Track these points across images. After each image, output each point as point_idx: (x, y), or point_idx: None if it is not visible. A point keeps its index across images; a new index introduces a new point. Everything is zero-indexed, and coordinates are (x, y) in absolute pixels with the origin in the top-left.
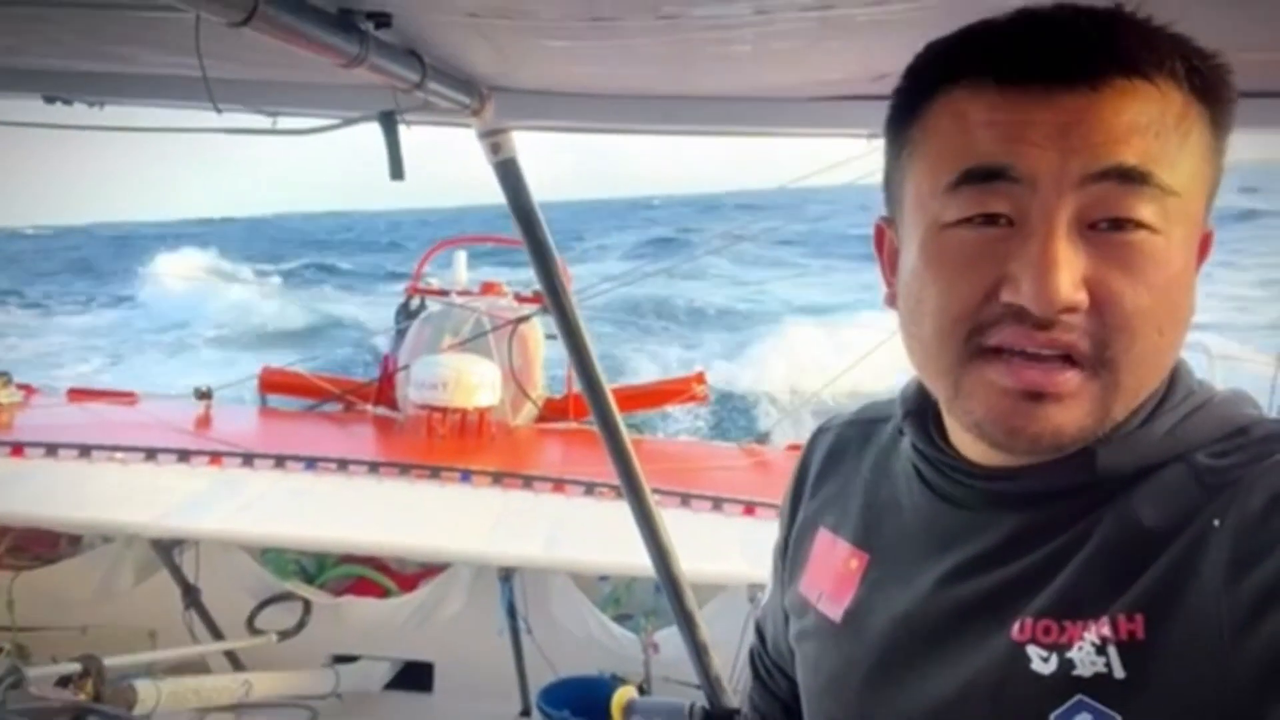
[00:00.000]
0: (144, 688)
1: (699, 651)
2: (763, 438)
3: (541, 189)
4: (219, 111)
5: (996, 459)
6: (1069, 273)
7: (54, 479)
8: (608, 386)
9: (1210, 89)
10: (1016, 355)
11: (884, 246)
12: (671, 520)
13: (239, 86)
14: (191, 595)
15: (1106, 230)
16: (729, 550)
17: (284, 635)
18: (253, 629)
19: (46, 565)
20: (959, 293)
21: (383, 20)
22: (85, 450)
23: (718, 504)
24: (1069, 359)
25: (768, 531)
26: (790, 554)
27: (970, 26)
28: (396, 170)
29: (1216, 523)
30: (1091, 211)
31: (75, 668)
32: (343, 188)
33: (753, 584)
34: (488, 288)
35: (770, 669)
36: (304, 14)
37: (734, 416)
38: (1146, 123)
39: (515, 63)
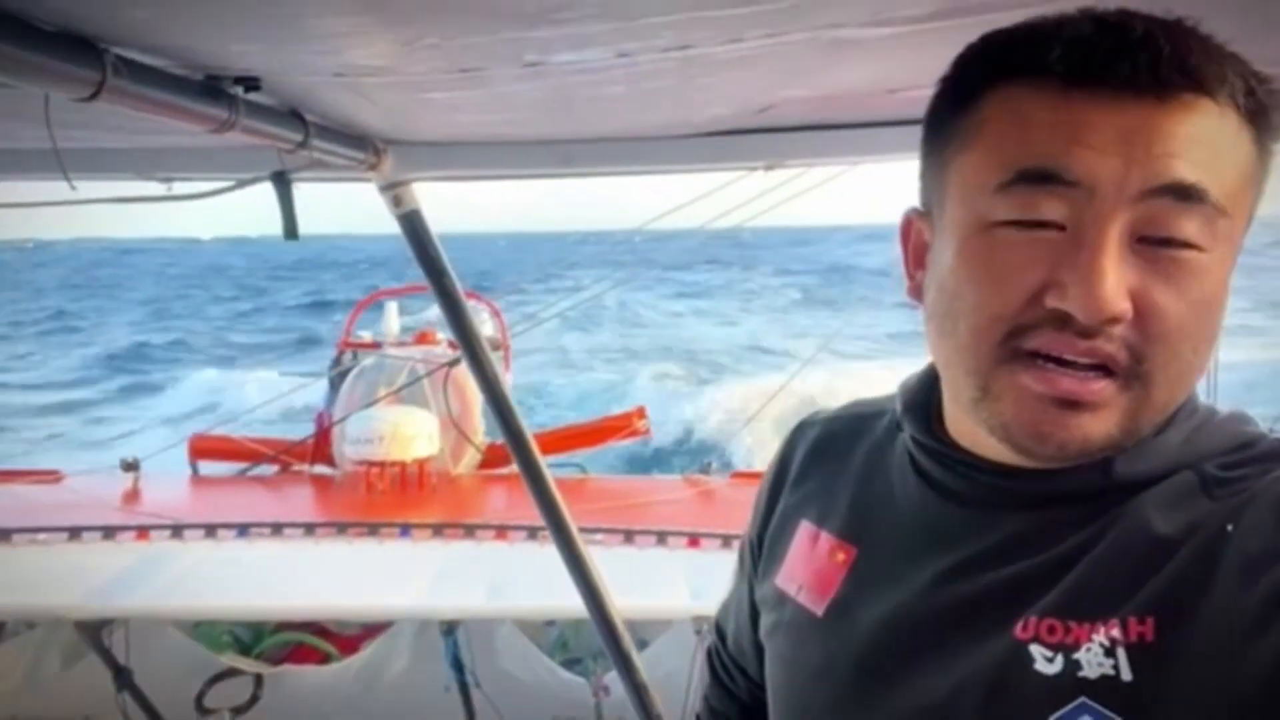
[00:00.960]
0: None
1: (639, 692)
2: (705, 468)
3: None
4: (73, 188)
5: (1009, 458)
6: (1117, 283)
7: None
8: (530, 434)
9: (1263, 113)
10: (1052, 361)
11: (910, 238)
12: (615, 558)
13: (125, 155)
14: (123, 677)
15: (1155, 245)
16: (674, 584)
17: (237, 712)
18: (202, 709)
19: None
20: (1001, 293)
21: (251, 84)
22: (4, 534)
23: (661, 538)
24: (1104, 369)
25: (712, 562)
26: (766, 548)
27: (1031, 21)
28: (290, 230)
29: (1230, 528)
30: (1144, 226)
31: None
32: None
33: (698, 617)
34: (421, 337)
35: (729, 667)
36: (161, 83)
37: None
38: (1206, 139)
39: (401, 116)
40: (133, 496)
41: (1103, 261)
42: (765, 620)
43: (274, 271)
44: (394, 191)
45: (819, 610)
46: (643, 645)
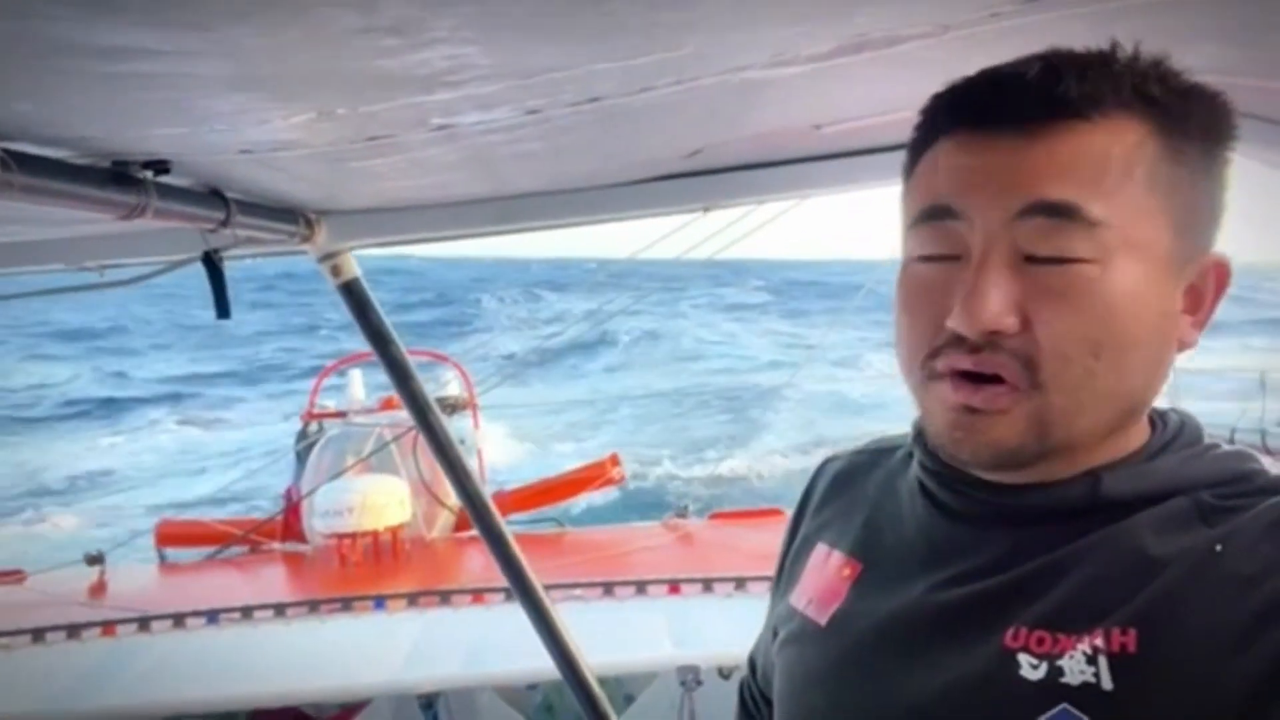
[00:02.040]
0: None
1: None
2: (682, 511)
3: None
4: None
5: (1003, 477)
6: (997, 298)
7: None
8: (487, 495)
9: (1172, 114)
10: (959, 375)
11: None
12: (595, 612)
13: (51, 246)
14: None
15: (1044, 263)
16: (658, 635)
17: None
18: None
19: None
20: (917, 322)
21: (161, 167)
22: None
23: (641, 587)
24: (1000, 378)
25: (694, 608)
26: (786, 572)
27: (971, 78)
28: (222, 310)
29: (1219, 548)
30: (1027, 245)
31: None
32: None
33: (682, 666)
34: (387, 403)
35: (756, 699)
36: (65, 174)
37: None
38: (1082, 160)
39: (327, 187)
40: (98, 591)
41: (982, 281)
42: (778, 638)
43: None
44: (331, 262)
45: (823, 621)
46: (629, 700)
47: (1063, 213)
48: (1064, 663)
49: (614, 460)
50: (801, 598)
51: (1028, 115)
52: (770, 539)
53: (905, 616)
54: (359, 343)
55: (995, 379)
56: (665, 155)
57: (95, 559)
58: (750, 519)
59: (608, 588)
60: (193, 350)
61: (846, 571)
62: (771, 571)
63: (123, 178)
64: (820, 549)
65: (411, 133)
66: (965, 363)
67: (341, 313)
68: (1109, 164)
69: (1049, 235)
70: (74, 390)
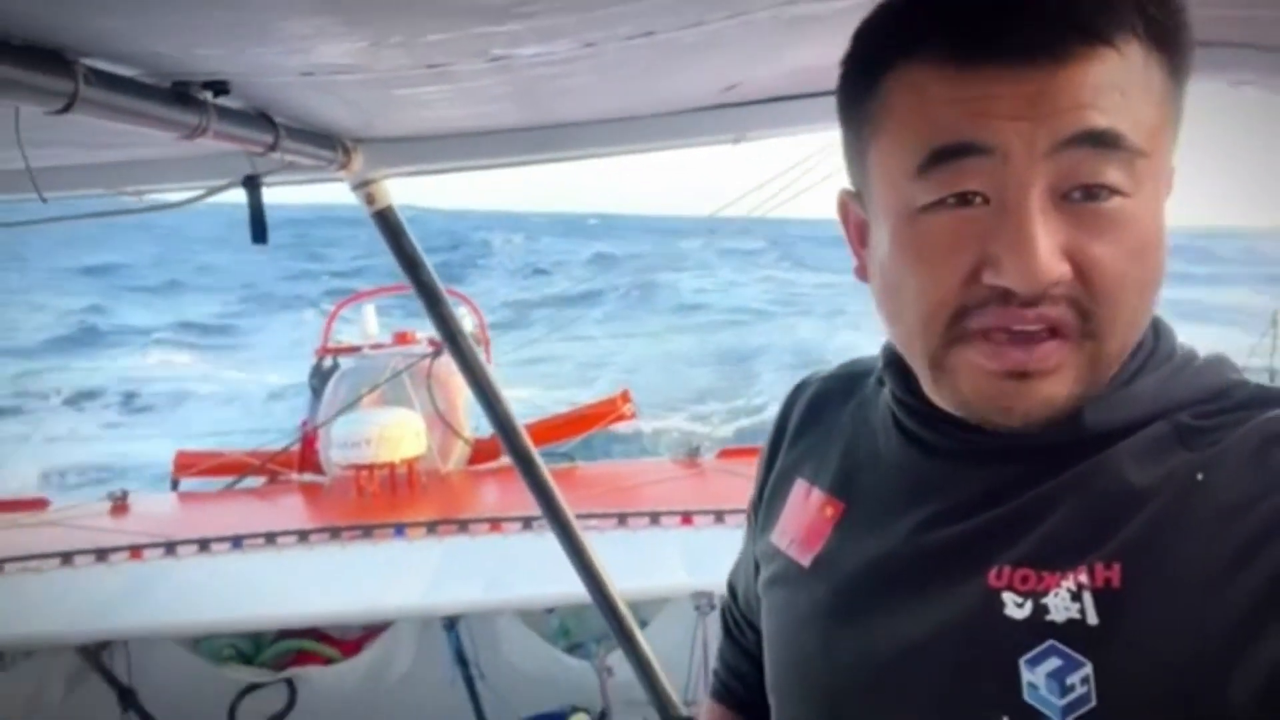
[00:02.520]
0: None
1: (647, 674)
2: (694, 450)
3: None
4: (44, 200)
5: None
6: (1049, 246)
7: None
8: (519, 424)
9: (1168, 37)
10: (1001, 333)
11: (849, 218)
12: (611, 541)
13: (93, 170)
14: (128, 698)
15: (1081, 200)
16: (671, 562)
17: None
18: None
19: None
20: (940, 279)
21: (220, 88)
22: None
23: (654, 518)
24: (1054, 332)
25: (706, 538)
26: (765, 505)
27: None
28: (259, 234)
29: (1200, 477)
30: (1065, 180)
31: None
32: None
33: (696, 593)
34: (401, 338)
35: (740, 623)
36: (132, 91)
37: None
38: (1111, 85)
39: (370, 114)
40: (121, 518)
41: (1031, 228)
42: (762, 574)
43: None
44: (366, 189)
45: (806, 562)
46: (643, 624)
47: (1108, 142)
48: (1049, 600)
49: (625, 397)
50: (784, 537)
51: (1051, 37)
52: None
53: (889, 559)
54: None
55: (1046, 332)
56: (703, 90)
57: (117, 494)
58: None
59: (622, 518)
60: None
61: (829, 511)
62: None
63: (184, 97)
64: (800, 484)
65: (468, 63)
66: (1020, 320)
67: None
68: (1134, 90)
69: (1091, 167)
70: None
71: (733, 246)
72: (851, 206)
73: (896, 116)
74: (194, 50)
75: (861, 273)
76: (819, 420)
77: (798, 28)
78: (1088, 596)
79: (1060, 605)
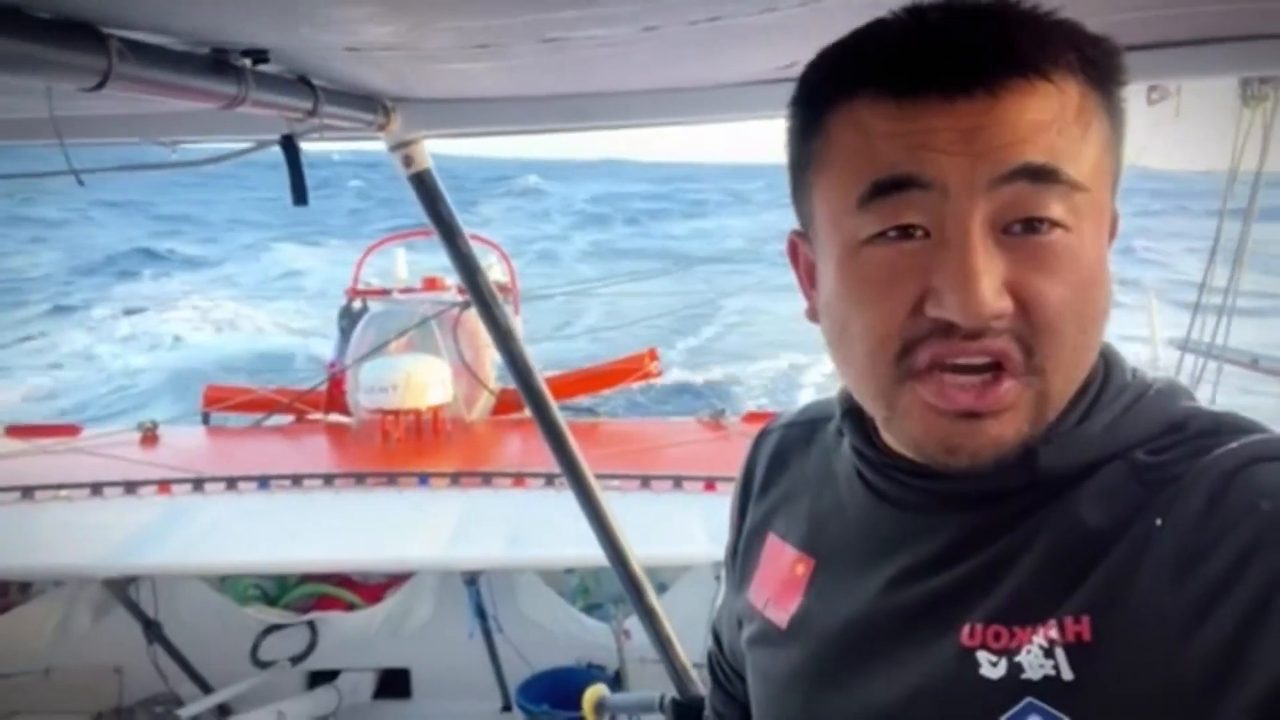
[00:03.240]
0: None
1: (663, 643)
2: (719, 411)
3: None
4: (71, 169)
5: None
6: (991, 280)
7: None
8: (543, 383)
9: (1105, 77)
10: (948, 371)
11: (799, 259)
12: (633, 504)
13: (128, 121)
14: (154, 630)
15: (1021, 233)
16: (693, 529)
17: (295, 660)
18: (258, 660)
19: None
20: (883, 312)
21: (260, 56)
22: (28, 491)
23: (678, 483)
24: (999, 366)
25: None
26: (740, 560)
27: (860, 31)
28: (300, 195)
29: (1159, 522)
30: (1005, 214)
31: None
32: None
33: (717, 562)
34: (430, 283)
35: (727, 672)
36: (169, 63)
37: None
38: (1049, 120)
39: (412, 79)
40: (151, 450)
41: (972, 261)
42: (744, 633)
43: None
44: (404, 151)
45: (783, 623)
46: (662, 589)
47: (1045, 176)
48: (1022, 657)
49: (652, 354)
50: (760, 595)
51: (991, 76)
52: None
53: (862, 620)
54: None
55: (992, 368)
56: (759, 67)
57: (149, 428)
58: None
59: (645, 480)
60: None
61: (801, 569)
62: None
63: (222, 65)
64: (772, 540)
65: (522, 44)
66: (963, 353)
67: None
68: (1072, 124)
69: (1030, 201)
70: None
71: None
72: (801, 248)
73: (838, 152)
74: (234, 20)
75: (812, 314)
76: (784, 469)
77: (870, 11)
78: (1060, 652)
79: (1034, 662)
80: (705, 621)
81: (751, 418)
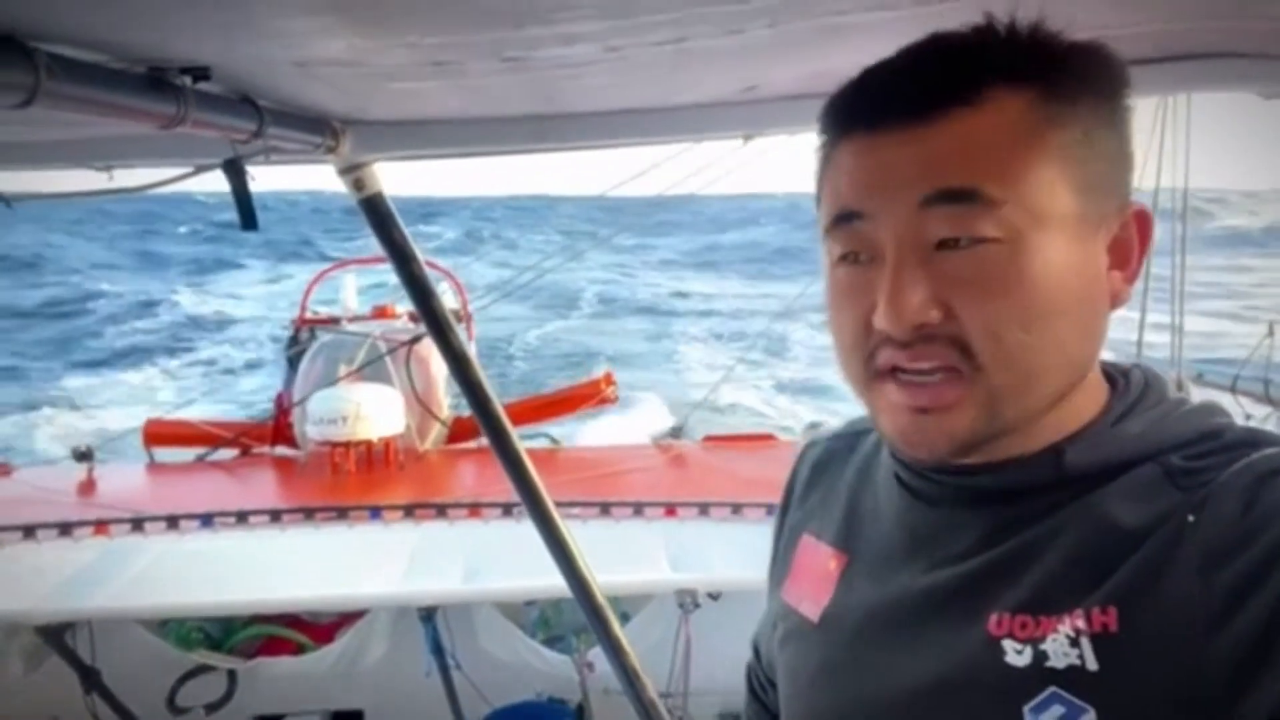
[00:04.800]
0: None
1: (629, 676)
2: (677, 431)
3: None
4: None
5: (964, 460)
6: (916, 294)
7: None
8: (501, 409)
9: (1058, 81)
10: (903, 374)
11: None
12: (594, 531)
13: (56, 147)
14: (91, 679)
15: (950, 249)
16: (655, 556)
17: (211, 708)
18: (174, 707)
19: None
20: (847, 323)
21: (201, 73)
22: None
23: (638, 509)
24: (950, 369)
25: (691, 532)
26: (778, 563)
27: (855, 79)
28: (248, 221)
29: (1191, 518)
30: (930, 234)
31: None
32: None
33: (680, 590)
34: (380, 311)
35: (764, 684)
36: (102, 80)
37: None
38: (971, 144)
39: (363, 99)
40: (88, 488)
41: (897, 279)
42: (777, 633)
43: None
44: (354, 175)
45: (815, 617)
46: (625, 619)
47: (964, 198)
48: (1047, 646)
49: (608, 379)
50: (794, 593)
51: (912, 109)
52: (764, 465)
53: (890, 608)
54: None
55: (935, 371)
56: (722, 90)
57: (84, 455)
58: (743, 443)
59: (604, 508)
60: None
61: (833, 565)
62: (768, 499)
63: (161, 84)
64: (807, 540)
65: (480, 62)
66: (904, 358)
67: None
68: (999, 143)
69: (955, 222)
70: None
71: None
72: None
73: (824, 183)
74: (173, 36)
75: None
76: (824, 478)
77: (834, 36)
78: (1085, 642)
79: (1059, 651)
80: (670, 651)
81: (710, 440)
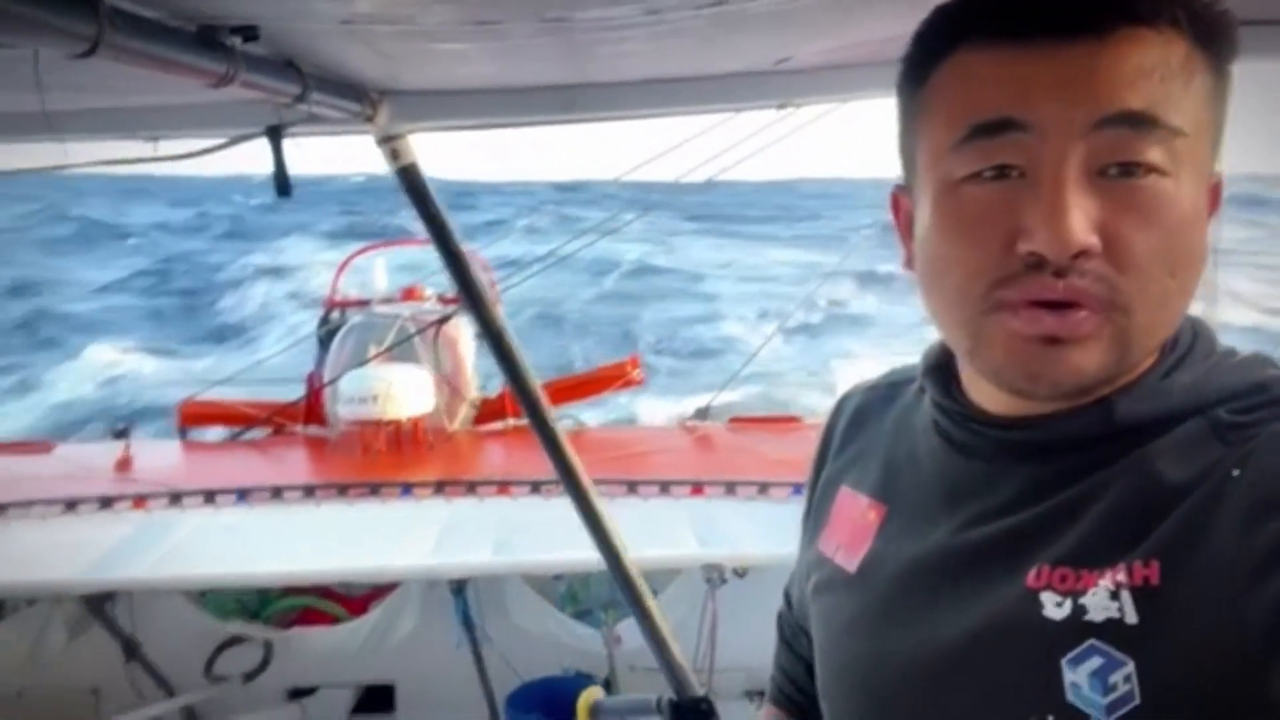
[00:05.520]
0: None
1: (660, 645)
2: (703, 412)
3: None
4: (64, 146)
5: (1014, 409)
6: (1081, 217)
7: None
8: (538, 385)
9: (1213, 36)
10: (1033, 307)
11: (900, 213)
12: (621, 509)
13: (105, 115)
14: (131, 648)
15: (1117, 176)
16: (681, 533)
17: (248, 677)
18: (212, 675)
19: None
20: (977, 248)
21: (250, 33)
22: (0, 509)
23: (664, 487)
24: (1081, 306)
25: (718, 510)
26: (813, 514)
27: None
28: (283, 187)
29: (1236, 473)
30: (1101, 157)
31: None
32: None
33: (707, 565)
34: (409, 293)
35: (795, 630)
36: (159, 36)
37: None
38: (1151, 68)
39: (401, 65)
40: (125, 465)
41: (1064, 198)
42: (811, 582)
43: None
44: (391, 144)
45: (852, 567)
46: (652, 594)
47: (1144, 122)
48: (1087, 599)
49: (634, 362)
50: (830, 543)
51: (1097, 20)
52: (789, 447)
53: (929, 560)
54: None
55: (1076, 305)
56: (755, 61)
57: (121, 433)
58: (768, 425)
59: (631, 486)
60: None
61: (871, 515)
62: (794, 478)
63: (211, 43)
64: (845, 491)
65: (520, 23)
66: (1051, 290)
67: None
68: (1174, 74)
69: (1128, 146)
70: None
71: None
72: (902, 200)
73: (942, 97)
74: None
75: (908, 262)
76: (862, 429)
77: (866, 2)
78: (1126, 595)
79: (1099, 604)
80: (696, 626)
81: (736, 422)
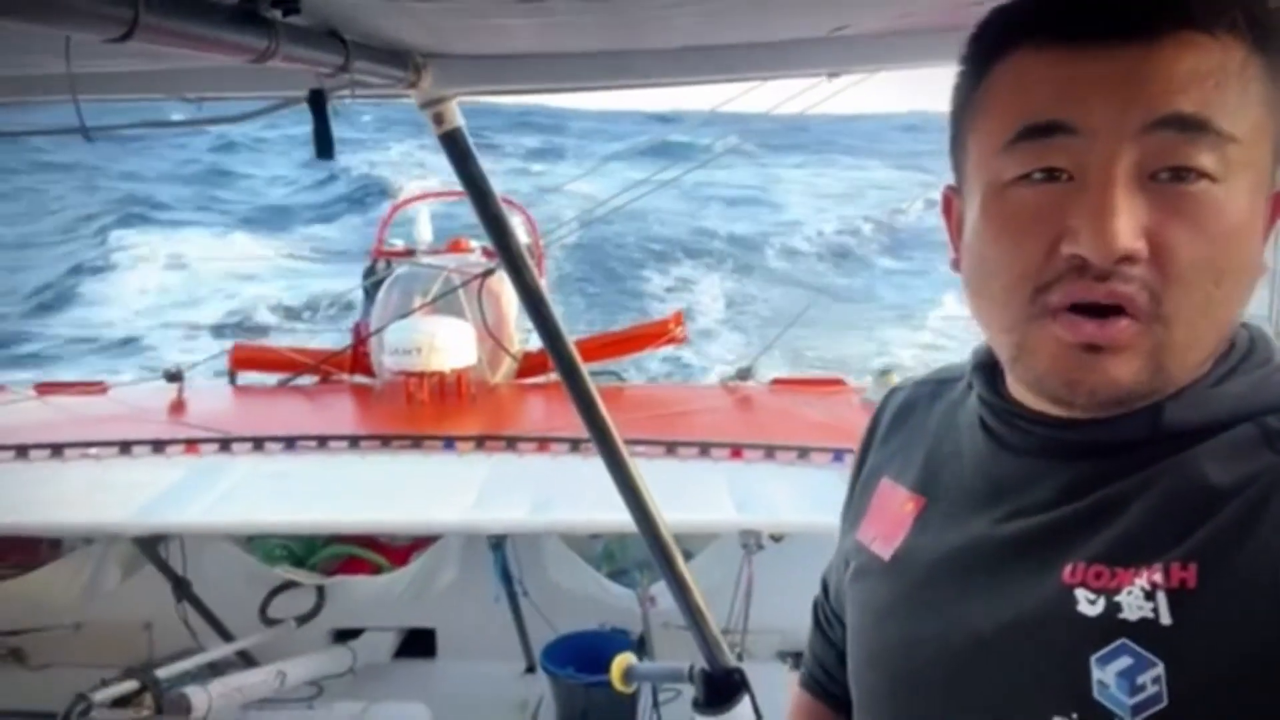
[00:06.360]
0: (195, 694)
1: (693, 613)
2: (745, 372)
3: None
4: (81, 125)
5: (1060, 410)
6: (1127, 220)
7: (27, 482)
8: (574, 348)
9: (1272, 41)
10: (1077, 311)
11: (952, 214)
12: (659, 470)
13: (147, 77)
14: (183, 588)
15: (1167, 181)
16: (719, 497)
17: (301, 620)
18: (266, 619)
19: (27, 572)
20: (1022, 250)
21: (290, 6)
22: (57, 449)
23: (704, 450)
24: (1123, 311)
25: (757, 474)
26: (854, 504)
27: None
28: (324, 149)
29: None
30: (1151, 161)
31: (132, 685)
32: None
33: (744, 530)
34: (454, 245)
35: (830, 618)
36: (196, 14)
37: None
38: (1205, 72)
39: (446, 32)
40: (179, 408)
41: (1111, 200)
42: (848, 570)
43: None
44: (435, 109)
45: (887, 555)
46: (688, 558)
47: (1196, 126)
48: (1121, 598)
49: (678, 319)
50: (868, 532)
51: (1151, 23)
52: (832, 410)
53: (966, 550)
54: None
55: (1116, 311)
56: (812, 27)
57: (174, 375)
58: (812, 387)
59: (670, 447)
60: None
61: (909, 507)
62: (835, 443)
63: (252, 17)
64: (885, 483)
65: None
66: (1092, 292)
67: None
68: (1229, 79)
69: (1178, 150)
70: None
71: None
72: (954, 201)
73: (995, 98)
74: None
75: (956, 265)
76: (907, 423)
77: None
78: (1161, 596)
79: (1133, 604)
80: (731, 591)
81: (778, 383)
